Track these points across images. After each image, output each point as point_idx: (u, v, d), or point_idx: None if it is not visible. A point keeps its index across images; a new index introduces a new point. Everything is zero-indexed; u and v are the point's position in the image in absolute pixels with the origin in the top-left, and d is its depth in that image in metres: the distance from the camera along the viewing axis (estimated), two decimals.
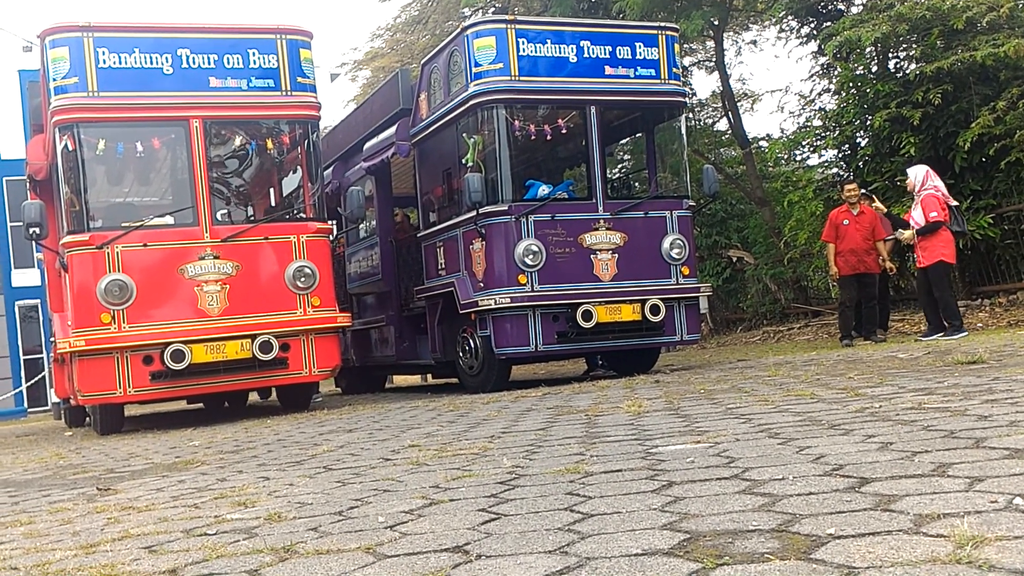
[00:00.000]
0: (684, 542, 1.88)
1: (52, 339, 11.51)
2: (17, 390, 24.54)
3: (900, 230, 11.10)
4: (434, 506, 2.63)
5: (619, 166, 17.02)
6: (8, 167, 26.96)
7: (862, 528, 1.82)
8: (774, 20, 17.13)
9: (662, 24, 9.98)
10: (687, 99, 10.13)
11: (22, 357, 26.83)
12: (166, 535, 2.64)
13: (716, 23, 17.88)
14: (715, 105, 23.17)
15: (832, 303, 14.69)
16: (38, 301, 24.88)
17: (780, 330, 17.32)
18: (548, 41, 9.19)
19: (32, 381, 25.25)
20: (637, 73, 9.48)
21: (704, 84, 51.66)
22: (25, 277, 26.56)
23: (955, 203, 10.49)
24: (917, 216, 10.40)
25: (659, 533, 1.96)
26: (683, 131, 10.22)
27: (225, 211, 9.43)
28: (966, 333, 10.12)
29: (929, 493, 2.08)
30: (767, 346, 15.16)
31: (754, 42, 23.04)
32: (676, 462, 2.93)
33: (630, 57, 9.45)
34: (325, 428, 6.32)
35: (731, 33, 21.11)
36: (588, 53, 9.31)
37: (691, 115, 21.38)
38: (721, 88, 19.77)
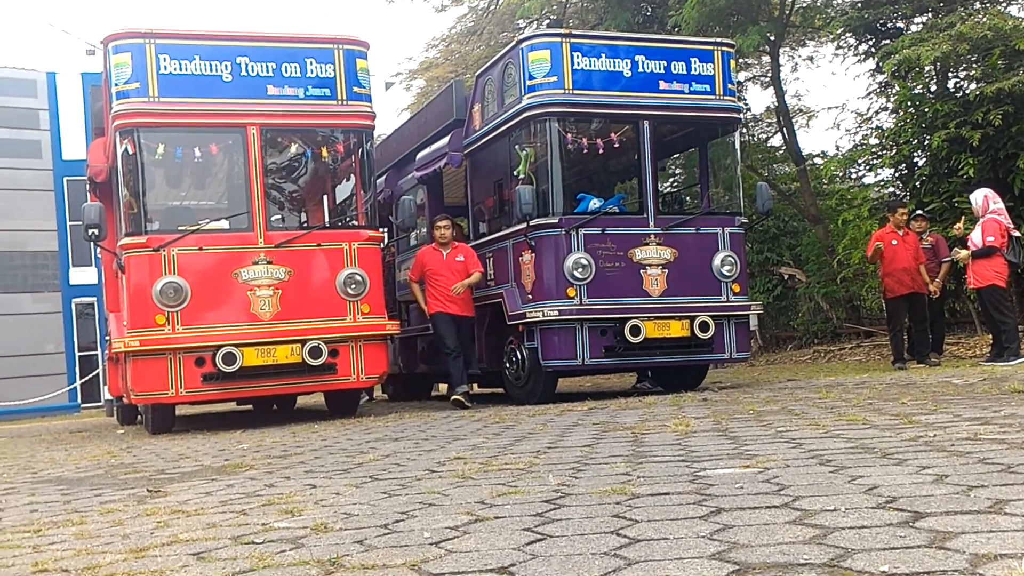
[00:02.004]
0: (733, 574, 1.86)
1: (107, 337, 11.71)
2: (72, 386, 25.00)
3: (956, 249, 10.95)
4: (479, 523, 2.63)
5: (671, 180, 16.92)
6: (68, 167, 27.51)
7: (916, 566, 1.79)
8: (831, 37, 16.95)
9: (718, 40, 9.93)
10: (741, 115, 10.03)
11: (77, 353, 27.32)
12: (214, 541, 2.67)
13: (772, 38, 17.73)
14: (769, 120, 22.99)
15: (884, 324, 14.45)
16: (94, 299, 25.34)
17: (831, 350, 17.10)
18: (603, 55, 9.18)
19: (86, 378, 25.72)
20: (692, 88, 9.43)
21: (759, 99, 51.35)
22: (82, 275, 27.04)
23: (1017, 233, 10.31)
24: (975, 238, 10.26)
25: (707, 563, 1.94)
26: (737, 147, 10.14)
27: (279, 217, 9.54)
28: (1023, 359, 9.91)
29: (985, 531, 2.04)
30: (817, 366, 14.98)
31: (811, 58, 22.80)
32: (724, 487, 2.90)
33: (685, 72, 9.41)
34: (371, 436, 6.36)
35: (787, 48, 20.93)
36: (642, 68, 9.28)
37: (745, 130, 21.22)
38: (776, 104, 19.61)
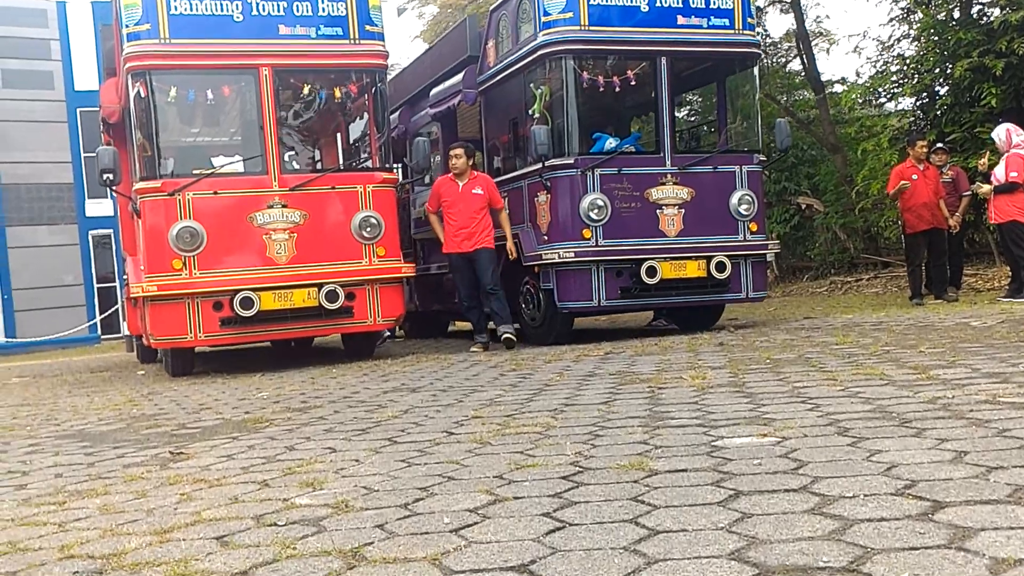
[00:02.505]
0: None
1: (124, 277, 11.78)
2: (92, 321, 25.23)
3: (979, 183, 10.83)
4: (498, 504, 2.65)
5: (688, 113, 16.67)
6: (81, 98, 27.38)
7: (935, 573, 1.79)
8: None
9: None
10: (761, 50, 9.85)
11: (96, 285, 27.52)
12: (237, 521, 2.70)
13: None
14: (789, 44, 22.54)
15: (902, 254, 14.35)
16: (111, 231, 25.42)
17: (848, 281, 17.05)
18: None
19: (106, 314, 25.93)
20: (710, 23, 9.27)
21: (778, 23, 50.32)
22: (99, 207, 27.08)
23: None
24: (999, 172, 10.15)
25: (727, 564, 1.95)
26: (756, 83, 9.99)
27: (293, 160, 9.48)
28: None
29: (1005, 528, 2.04)
30: (834, 299, 14.95)
31: None
32: (742, 463, 2.91)
33: (703, 6, 9.24)
34: (389, 384, 6.40)
35: None
36: (660, 2, 9.12)
37: (764, 55, 20.80)
38: (796, 28, 19.25)
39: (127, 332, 12.10)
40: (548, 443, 3.58)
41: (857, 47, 42.33)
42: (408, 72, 12.95)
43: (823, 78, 22.00)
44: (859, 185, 16.38)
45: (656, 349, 7.45)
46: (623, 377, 5.65)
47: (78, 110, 27.60)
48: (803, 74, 20.50)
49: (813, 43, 21.73)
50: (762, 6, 20.12)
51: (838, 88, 21.47)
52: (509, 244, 9.14)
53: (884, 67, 16.62)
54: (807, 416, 3.69)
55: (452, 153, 9.14)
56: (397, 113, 12.11)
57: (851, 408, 3.79)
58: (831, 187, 19.05)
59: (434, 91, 11.11)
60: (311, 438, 4.26)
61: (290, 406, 5.65)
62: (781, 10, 21.68)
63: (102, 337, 26.12)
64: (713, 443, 3.30)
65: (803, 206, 19.31)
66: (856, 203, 17.01)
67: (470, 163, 9.14)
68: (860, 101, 16.70)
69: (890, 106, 17.02)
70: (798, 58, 21.03)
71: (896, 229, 16.91)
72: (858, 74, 19.30)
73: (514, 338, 8.93)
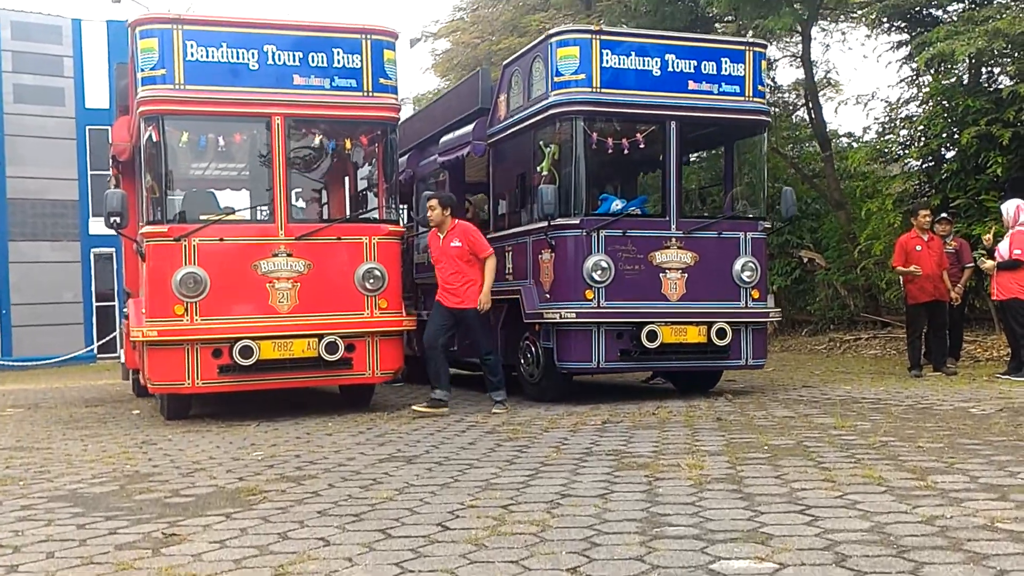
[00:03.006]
0: None
1: (125, 310, 11.77)
2: (89, 348, 25.18)
3: (983, 259, 10.86)
4: None
5: (695, 175, 16.69)
6: (91, 116, 27.46)
7: None
8: (866, 22, 16.64)
9: (750, 40, 9.81)
10: (770, 117, 9.90)
11: (95, 304, 27.48)
12: None
13: (805, 16, 17.41)
14: (797, 92, 22.59)
15: (902, 314, 14.33)
16: (113, 249, 25.41)
17: (847, 340, 17.05)
18: (632, 53, 9.07)
19: (103, 340, 25.86)
20: (721, 89, 9.32)
21: (787, 75, 50.59)
22: (102, 225, 27.01)
23: None
24: (1003, 249, 10.18)
25: None
26: (764, 150, 10.03)
27: (301, 209, 9.51)
28: None
29: None
30: (833, 360, 14.94)
31: (843, 35, 22.32)
32: None
33: (715, 72, 9.29)
34: (385, 451, 6.37)
35: (821, 24, 20.50)
36: (672, 67, 9.16)
37: (771, 117, 20.81)
38: (805, 82, 19.35)
39: (123, 360, 12.03)
40: (544, 551, 3.56)
41: (865, 111, 42.52)
42: (418, 118, 13.02)
43: (830, 127, 22.14)
44: (862, 244, 16.39)
45: (654, 421, 7.43)
46: (620, 459, 5.63)
47: (87, 128, 27.67)
48: (810, 127, 20.55)
49: (821, 93, 21.86)
50: (772, 60, 20.26)
51: (844, 141, 21.63)
52: (483, 295, 8.65)
53: (892, 128, 16.68)
54: (805, 533, 3.67)
55: (427, 205, 8.71)
56: (405, 157, 12.14)
57: (849, 525, 3.78)
58: (834, 243, 19.07)
59: (444, 139, 11.15)
60: (304, 523, 4.23)
61: (284, 473, 5.62)
62: (792, 64, 21.85)
63: (98, 356, 26.09)
64: (710, 565, 3.29)
65: (805, 259, 19.33)
66: (858, 261, 17.03)
67: (446, 213, 8.65)
68: (868, 163, 16.72)
69: (895, 167, 17.05)
70: (805, 107, 21.10)
71: (897, 290, 16.93)
72: (865, 131, 19.29)
73: (503, 411, 8.48)
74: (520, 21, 23.16)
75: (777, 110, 21.22)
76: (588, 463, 5.56)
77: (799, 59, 19.29)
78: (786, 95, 22.98)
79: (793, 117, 22.74)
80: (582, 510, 4.27)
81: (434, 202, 8.66)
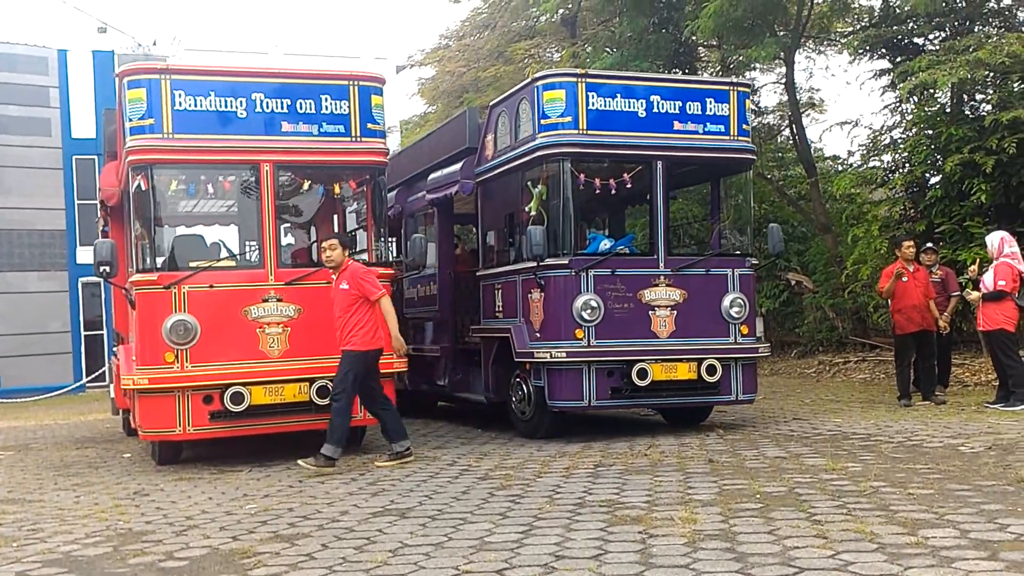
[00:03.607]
0: None
1: (114, 349, 11.76)
2: (79, 383, 25.08)
3: (968, 290, 10.95)
4: None
5: (681, 212, 16.75)
6: (78, 146, 27.48)
7: None
8: (848, 50, 16.79)
9: (734, 80, 9.94)
10: (755, 156, 10.00)
11: (83, 333, 27.40)
12: None
13: (788, 44, 17.56)
14: (781, 112, 22.73)
15: (890, 337, 14.39)
16: (101, 280, 25.34)
17: (836, 362, 17.14)
18: (618, 95, 9.16)
19: (91, 377, 25.76)
20: (706, 129, 9.41)
21: (772, 99, 50.97)
22: (90, 255, 26.95)
23: None
24: (987, 280, 10.26)
25: None
26: (750, 187, 10.11)
27: (290, 254, 9.53)
28: None
29: None
30: (823, 386, 15.02)
31: (827, 61, 22.51)
32: None
33: (700, 112, 9.39)
34: (378, 502, 6.38)
35: (804, 51, 20.65)
36: (657, 108, 9.25)
37: (754, 114, 20.88)
38: (790, 112, 19.49)
39: (112, 396, 12.00)
40: None
41: (850, 132, 42.74)
42: (406, 154, 13.10)
43: (816, 148, 22.26)
44: (849, 269, 16.50)
45: (646, 464, 7.46)
46: (614, 512, 5.65)
47: (74, 158, 27.67)
48: (795, 153, 20.68)
49: (805, 114, 22.01)
50: (756, 87, 20.43)
51: (830, 164, 21.77)
52: (394, 341, 8.20)
53: (876, 154, 16.80)
54: None
55: (323, 246, 8.21)
56: (394, 193, 12.20)
57: None
58: (821, 266, 19.20)
59: (432, 176, 11.20)
60: None
61: (278, 531, 5.63)
62: (775, 92, 22.02)
63: (87, 385, 26.01)
64: None
65: (793, 282, 19.44)
66: (846, 284, 17.14)
67: (346, 254, 8.12)
68: (854, 190, 16.84)
69: (880, 192, 17.18)
70: (789, 129, 21.22)
71: (885, 313, 17.03)
72: (850, 154, 19.44)
73: (399, 461, 8.03)
74: (506, 49, 23.29)
75: (761, 134, 21.40)
76: (582, 516, 5.58)
77: (783, 85, 19.42)
78: (770, 117, 23.16)
79: (778, 138, 22.88)
80: (577, 575, 4.29)
81: (334, 242, 8.10)
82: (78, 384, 25.01)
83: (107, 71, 27.98)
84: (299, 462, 7.89)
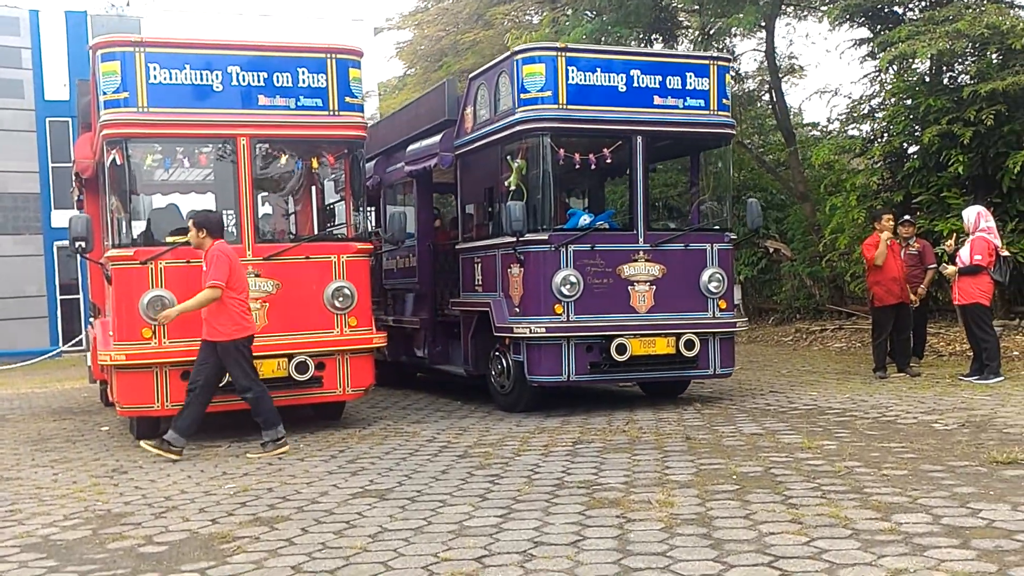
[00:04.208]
0: None
1: (91, 320, 11.70)
2: (56, 351, 24.91)
3: (944, 264, 11.03)
4: None
5: (661, 188, 16.74)
6: (51, 108, 27.12)
7: None
8: (829, 18, 16.72)
9: (714, 54, 9.90)
10: (735, 130, 9.98)
11: (59, 297, 27.22)
12: None
13: (768, 12, 17.48)
14: (761, 77, 22.65)
15: (867, 305, 14.48)
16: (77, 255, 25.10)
17: (813, 330, 17.26)
18: (598, 70, 9.11)
19: (70, 345, 25.56)
20: (686, 104, 9.39)
21: (752, 64, 50.81)
22: (64, 218, 26.73)
23: (1005, 253, 10.40)
24: (964, 255, 10.34)
25: None
26: (729, 162, 10.11)
27: (268, 229, 9.47)
28: (1002, 378, 10.10)
29: None
30: (799, 352, 15.16)
31: (805, 26, 22.45)
32: None
33: (680, 87, 9.36)
34: (357, 482, 6.39)
35: (786, 17, 20.55)
36: (637, 82, 9.22)
37: (734, 80, 20.74)
38: (769, 80, 19.46)
39: (89, 365, 11.92)
40: None
41: (829, 101, 42.75)
42: (385, 124, 12.99)
43: (795, 115, 22.27)
44: (827, 238, 16.58)
45: (624, 442, 7.51)
46: (592, 494, 5.70)
47: (47, 120, 27.32)
48: (774, 117, 20.65)
49: (785, 79, 21.96)
50: (737, 54, 20.37)
51: (809, 130, 21.77)
52: (171, 310, 7.72)
53: (856, 121, 16.81)
54: None
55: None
56: (372, 163, 12.12)
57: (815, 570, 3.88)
58: (799, 234, 19.29)
59: (411, 148, 11.13)
60: None
61: (257, 513, 5.64)
62: (755, 60, 21.94)
63: (63, 350, 25.87)
64: None
65: (771, 249, 19.53)
66: (823, 253, 17.23)
67: (202, 235, 7.67)
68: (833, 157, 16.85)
69: (859, 161, 17.22)
70: (768, 95, 21.16)
71: (862, 282, 17.15)
72: (829, 121, 19.43)
73: (271, 451, 7.67)
74: (485, 12, 23.07)
75: (741, 101, 21.31)
76: (560, 499, 5.62)
77: (763, 52, 19.37)
78: (749, 82, 23.09)
79: (757, 104, 22.81)
80: (555, 563, 4.34)
81: (191, 222, 7.81)
82: (56, 352, 24.85)
83: (80, 32, 27.57)
84: (250, 455, 7.68)
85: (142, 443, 7.79)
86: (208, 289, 7.52)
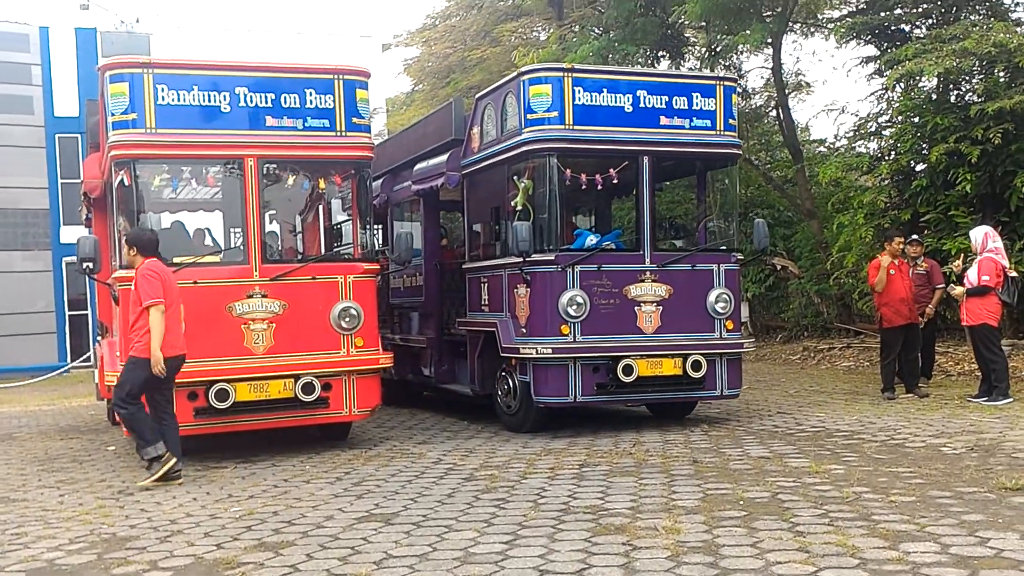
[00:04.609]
0: None
1: (99, 338, 11.72)
2: (64, 367, 24.92)
3: (952, 285, 10.99)
4: None
5: (668, 206, 16.73)
6: (60, 124, 27.25)
7: None
8: (836, 36, 16.75)
9: (721, 75, 9.89)
10: (740, 150, 9.99)
11: (67, 312, 27.30)
12: None
13: (775, 29, 17.51)
14: (768, 93, 22.67)
15: (875, 323, 14.44)
16: (86, 276, 25.16)
17: (821, 348, 17.21)
18: (604, 90, 9.12)
19: (78, 362, 25.54)
20: (692, 124, 9.39)
21: (759, 81, 50.95)
22: (73, 233, 26.82)
23: (1014, 274, 10.36)
24: (971, 275, 10.30)
25: None
26: (736, 182, 10.11)
27: (275, 249, 9.49)
28: (1011, 400, 10.05)
29: None
30: (806, 371, 15.11)
31: (812, 44, 22.52)
32: None
33: (686, 107, 9.37)
34: (363, 506, 6.38)
35: (793, 35, 20.58)
36: (644, 103, 9.23)
37: (740, 97, 20.77)
38: (776, 96, 19.47)
39: (97, 382, 11.94)
40: None
41: (836, 119, 42.68)
42: (392, 143, 13.03)
43: (802, 131, 22.22)
44: (834, 256, 16.54)
45: (631, 465, 7.48)
46: (598, 519, 5.68)
47: (57, 136, 27.45)
48: (781, 134, 20.64)
49: (792, 95, 21.98)
50: (743, 72, 20.39)
51: (816, 147, 21.75)
52: (152, 352, 7.32)
53: (861, 136, 16.79)
54: None
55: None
56: (380, 182, 12.15)
57: None
58: (806, 251, 19.25)
59: (418, 167, 11.16)
60: None
61: (262, 538, 5.63)
62: (762, 77, 21.95)
63: (72, 366, 25.90)
64: None
65: (779, 267, 19.50)
66: (831, 271, 17.19)
67: (132, 253, 7.63)
68: (840, 178, 16.84)
69: (866, 178, 17.19)
70: (775, 112, 21.16)
71: (870, 300, 17.10)
72: (837, 138, 19.42)
73: (154, 472, 7.43)
74: (492, 29, 23.15)
75: (748, 117, 21.32)
76: (566, 524, 5.60)
77: (770, 70, 19.38)
78: (756, 99, 23.12)
79: (765, 120, 22.82)
80: None
81: (124, 240, 7.81)
82: (64, 368, 24.87)
83: (90, 48, 27.74)
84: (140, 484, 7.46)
85: (140, 483, 7.50)
86: (152, 311, 7.32)
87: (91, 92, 12.29)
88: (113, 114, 8.18)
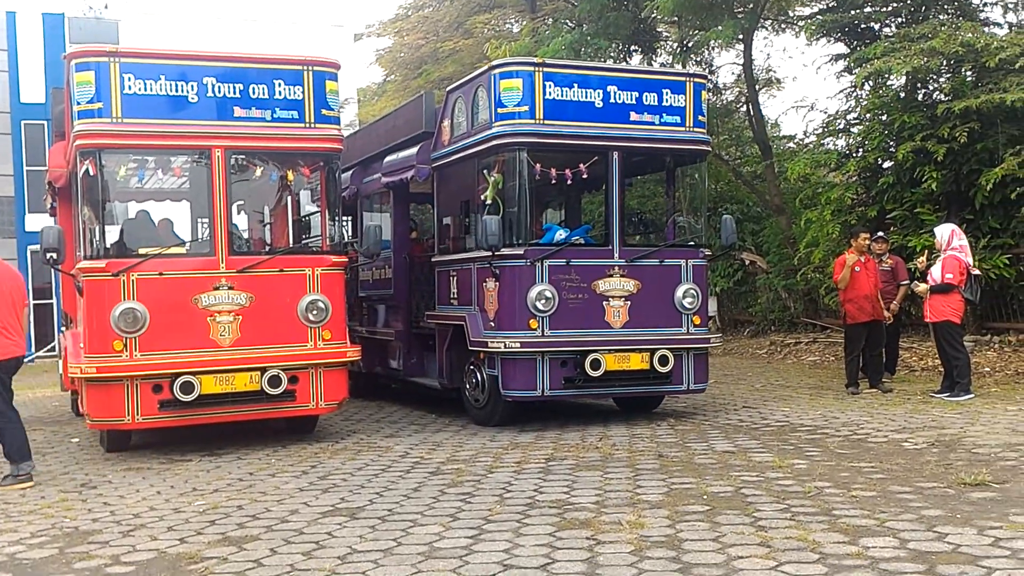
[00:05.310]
0: None
1: (62, 330, 11.60)
2: (29, 359, 24.58)
3: (916, 282, 11.11)
4: None
5: (637, 200, 16.79)
6: (26, 111, 26.95)
7: None
8: (806, 33, 16.84)
9: (691, 72, 9.94)
10: (710, 147, 10.04)
11: (32, 301, 26.96)
12: None
13: (746, 26, 17.60)
14: (739, 89, 22.78)
15: (840, 318, 14.58)
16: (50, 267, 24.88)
17: (788, 343, 17.35)
18: (575, 85, 9.13)
19: (42, 351, 25.30)
20: (662, 120, 9.43)
21: (729, 76, 51.07)
22: (38, 222, 26.55)
23: (976, 272, 10.48)
24: (935, 273, 10.41)
25: None
26: (705, 178, 10.16)
27: (242, 241, 9.43)
28: (972, 395, 10.17)
29: None
30: (773, 366, 15.23)
31: (782, 40, 22.68)
32: None
33: (656, 103, 9.41)
34: (328, 500, 6.37)
35: (764, 31, 20.68)
36: (614, 98, 9.25)
37: (711, 93, 20.85)
38: (747, 93, 19.56)
39: (61, 373, 11.83)
40: None
41: (805, 116, 42.93)
42: (362, 135, 12.97)
43: (772, 126, 22.34)
44: (801, 252, 16.67)
45: (597, 459, 7.51)
46: (563, 514, 5.70)
47: (23, 122, 27.15)
48: (751, 130, 20.76)
49: (763, 90, 22.10)
50: (715, 67, 20.48)
51: (785, 143, 21.88)
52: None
53: (829, 131, 16.92)
54: None
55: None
56: (349, 173, 12.11)
57: None
58: (775, 247, 19.38)
59: (388, 159, 11.13)
60: None
61: (226, 532, 5.61)
62: (732, 73, 22.05)
63: (36, 355, 25.65)
64: None
65: (747, 261, 19.62)
66: (798, 266, 17.32)
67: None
68: (808, 174, 16.96)
69: (834, 175, 17.33)
70: (746, 107, 21.27)
71: (836, 296, 17.25)
72: (805, 134, 19.56)
73: (10, 484, 7.25)
74: (465, 21, 23.10)
75: (718, 112, 21.41)
76: (531, 519, 5.62)
77: (741, 65, 19.48)
78: (727, 94, 23.24)
79: (735, 115, 22.93)
80: None
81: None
82: (29, 358, 24.58)
83: (57, 34, 27.44)
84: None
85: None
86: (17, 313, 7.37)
87: (58, 78, 12.16)
88: (79, 103, 8.09)
